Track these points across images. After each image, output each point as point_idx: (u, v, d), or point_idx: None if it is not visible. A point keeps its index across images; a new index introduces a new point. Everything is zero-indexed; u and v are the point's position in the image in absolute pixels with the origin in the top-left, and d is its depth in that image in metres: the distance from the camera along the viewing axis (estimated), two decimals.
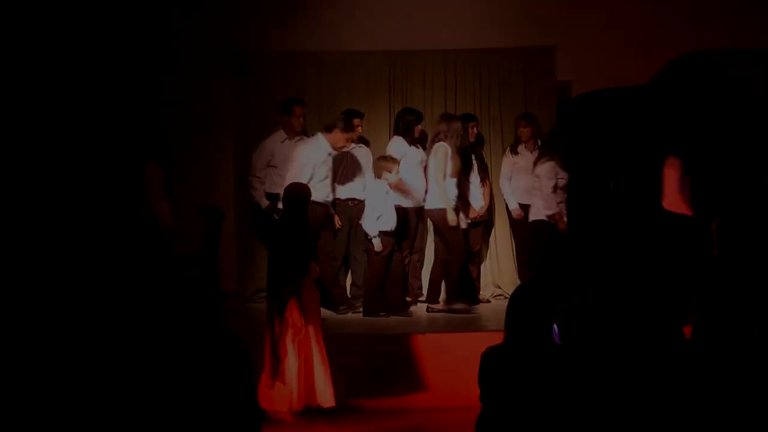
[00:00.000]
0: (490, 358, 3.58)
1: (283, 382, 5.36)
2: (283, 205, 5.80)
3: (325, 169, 7.05)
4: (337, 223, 7.49)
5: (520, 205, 7.68)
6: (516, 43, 8.04)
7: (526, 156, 7.67)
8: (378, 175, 7.04)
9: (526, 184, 7.57)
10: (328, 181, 7.17)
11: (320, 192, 6.89)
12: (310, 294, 5.52)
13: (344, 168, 7.51)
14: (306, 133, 7.59)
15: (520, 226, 7.71)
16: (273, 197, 7.26)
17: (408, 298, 7.47)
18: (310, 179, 6.72)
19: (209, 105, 7.88)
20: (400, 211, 7.20)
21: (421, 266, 7.76)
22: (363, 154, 7.66)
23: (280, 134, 7.41)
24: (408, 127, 7.40)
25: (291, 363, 5.36)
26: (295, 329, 5.39)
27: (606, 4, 8.02)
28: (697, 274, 7.16)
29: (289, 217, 5.62)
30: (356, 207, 7.50)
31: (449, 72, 8.09)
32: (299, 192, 5.73)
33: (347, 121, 7.10)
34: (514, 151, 7.74)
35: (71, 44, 6.72)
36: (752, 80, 7.42)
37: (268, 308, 5.56)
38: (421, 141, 7.62)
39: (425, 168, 7.29)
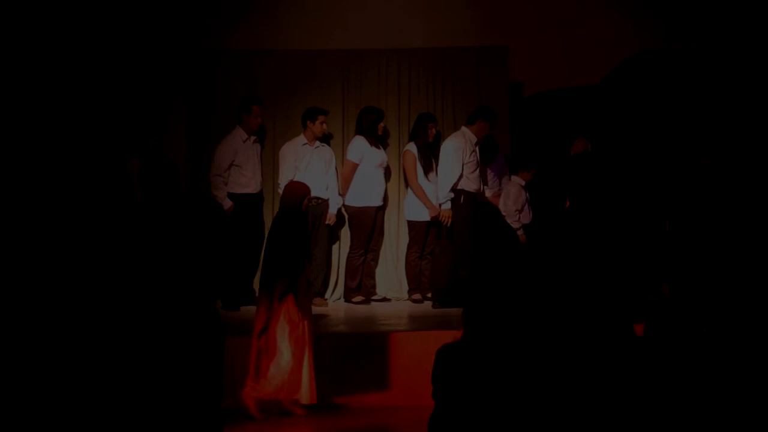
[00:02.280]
0: (444, 356, 3.58)
1: (267, 377, 5.40)
2: (282, 202, 5.84)
3: (305, 164, 7.29)
4: None
5: None
6: (469, 43, 8.05)
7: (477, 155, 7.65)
8: None
9: (476, 182, 7.55)
10: (309, 175, 7.25)
11: (248, 182, 7.31)
12: (303, 290, 5.57)
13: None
14: (263, 132, 7.64)
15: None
16: (237, 198, 7.30)
17: (361, 297, 7.58)
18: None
19: (162, 104, 7.76)
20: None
21: (375, 265, 7.79)
22: (326, 153, 7.64)
23: (240, 133, 7.39)
24: (371, 126, 7.45)
25: (285, 358, 5.39)
26: (292, 325, 5.43)
27: (559, 3, 8.07)
28: (648, 271, 7.25)
29: (288, 215, 5.65)
30: (320, 206, 7.50)
31: (403, 71, 8.05)
32: (298, 190, 5.78)
33: (313, 116, 7.30)
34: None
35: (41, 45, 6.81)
36: (698, 78, 7.52)
37: (261, 304, 5.56)
38: (383, 140, 7.64)
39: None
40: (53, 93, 6.88)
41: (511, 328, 3.62)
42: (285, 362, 5.40)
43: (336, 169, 7.73)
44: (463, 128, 7.40)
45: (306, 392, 5.45)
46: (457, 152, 7.21)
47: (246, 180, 7.41)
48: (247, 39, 7.97)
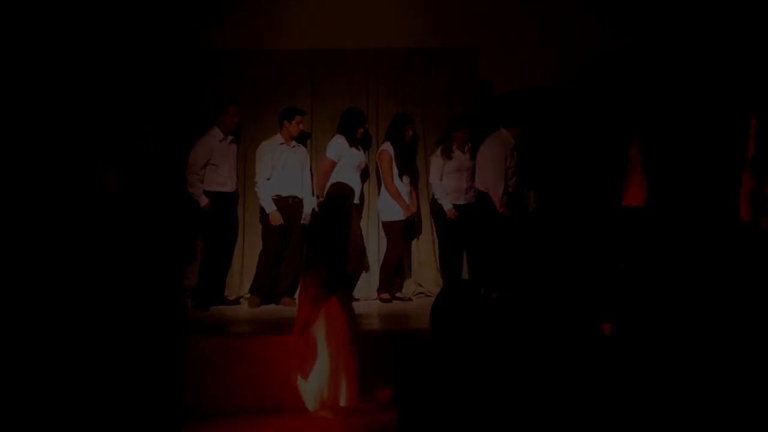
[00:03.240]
0: (408, 357, 3.57)
1: (308, 378, 5.44)
2: (328, 200, 5.91)
3: (281, 163, 7.38)
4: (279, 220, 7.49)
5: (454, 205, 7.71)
6: (439, 44, 8.07)
7: (458, 157, 7.68)
8: None
9: (457, 184, 7.65)
10: (287, 175, 7.40)
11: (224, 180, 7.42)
12: (344, 289, 5.67)
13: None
14: (239, 131, 7.69)
15: (445, 225, 7.74)
16: (213, 195, 7.34)
17: None
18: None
19: (134, 102, 7.70)
20: None
21: None
22: (301, 153, 7.68)
23: (217, 132, 7.41)
24: (350, 127, 7.49)
25: (325, 359, 5.42)
26: (333, 324, 5.45)
27: (527, 3, 8.10)
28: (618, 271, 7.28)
29: (332, 213, 5.75)
30: (295, 204, 7.55)
31: (371, 71, 8.06)
32: (346, 189, 5.91)
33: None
34: (448, 155, 7.67)
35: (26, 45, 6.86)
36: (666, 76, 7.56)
37: (302, 302, 5.62)
38: (362, 142, 7.68)
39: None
40: (34, 91, 6.91)
41: (480, 328, 3.63)
42: (325, 363, 5.42)
43: (310, 168, 7.74)
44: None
45: (345, 393, 5.46)
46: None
47: (222, 179, 7.44)
48: (218, 39, 7.95)
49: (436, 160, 7.73)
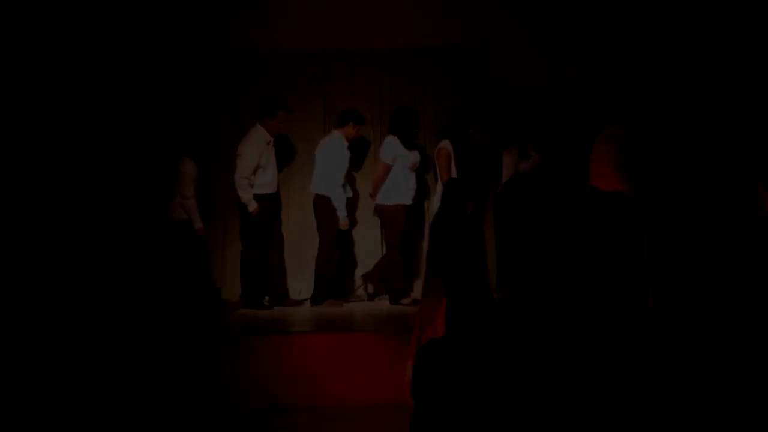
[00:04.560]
0: (426, 354, 3.58)
1: None
2: (447, 200, 5.30)
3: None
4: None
5: None
6: (451, 42, 8.08)
7: (534, 158, 7.55)
8: None
9: None
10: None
11: (270, 183, 7.36)
12: None
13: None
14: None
15: None
16: (261, 198, 7.29)
17: (411, 298, 7.49)
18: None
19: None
20: None
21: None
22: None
23: (264, 135, 7.34)
24: (405, 126, 7.42)
25: None
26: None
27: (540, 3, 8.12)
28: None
29: (451, 225, 5.11)
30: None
31: (383, 71, 8.10)
32: (463, 187, 5.33)
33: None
34: (525, 154, 7.50)
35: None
36: None
37: (424, 305, 5.08)
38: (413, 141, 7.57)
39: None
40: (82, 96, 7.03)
41: (495, 326, 3.63)
42: None
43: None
44: None
45: None
46: None
47: (269, 181, 7.39)
48: (229, 39, 7.99)
49: (510, 159, 7.58)
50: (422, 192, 7.86)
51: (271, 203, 7.46)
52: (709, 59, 7.14)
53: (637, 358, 3.71)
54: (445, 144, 7.36)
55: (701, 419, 3.64)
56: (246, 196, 7.25)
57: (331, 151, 7.38)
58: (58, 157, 6.75)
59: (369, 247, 8.01)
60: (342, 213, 7.31)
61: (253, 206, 7.24)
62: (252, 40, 7.96)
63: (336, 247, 7.38)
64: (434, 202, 7.41)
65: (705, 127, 6.97)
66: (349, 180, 7.74)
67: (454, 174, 7.23)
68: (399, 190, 7.39)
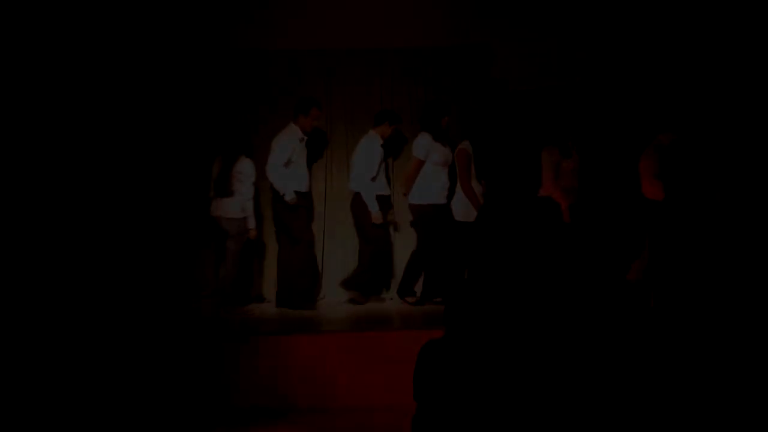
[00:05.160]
0: (426, 356, 3.60)
1: None
2: (529, 227, 5.60)
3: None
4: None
5: None
6: (452, 41, 8.11)
7: (575, 158, 7.14)
8: None
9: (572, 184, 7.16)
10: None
11: (301, 180, 7.32)
12: None
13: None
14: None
15: None
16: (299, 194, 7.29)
17: None
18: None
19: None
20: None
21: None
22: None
23: (298, 132, 7.36)
24: (434, 120, 7.40)
25: None
26: None
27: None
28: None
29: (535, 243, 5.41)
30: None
31: (386, 71, 8.13)
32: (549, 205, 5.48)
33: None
34: (567, 153, 6.96)
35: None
36: None
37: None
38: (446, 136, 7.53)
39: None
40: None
41: (494, 327, 3.65)
42: None
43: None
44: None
45: None
46: None
47: (301, 178, 7.38)
48: (233, 39, 8.04)
49: (551, 158, 6.93)
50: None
51: (304, 201, 7.45)
52: (708, 59, 7.16)
53: (637, 357, 3.74)
54: (465, 145, 7.33)
55: (701, 419, 3.66)
56: (280, 183, 7.20)
57: (365, 150, 7.47)
58: (92, 158, 6.84)
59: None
60: (374, 208, 7.30)
61: (290, 195, 7.19)
62: (250, 39, 8.00)
63: (376, 243, 7.41)
64: (455, 205, 7.35)
65: (707, 127, 6.98)
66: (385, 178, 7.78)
67: (473, 175, 7.23)
68: (431, 189, 7.35)
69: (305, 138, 7.38)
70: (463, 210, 7.28)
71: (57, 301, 6.21)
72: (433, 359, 3.56)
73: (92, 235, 7.00)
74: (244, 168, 7.20)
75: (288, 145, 7.24)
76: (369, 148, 7.47)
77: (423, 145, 7.33)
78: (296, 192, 7.26)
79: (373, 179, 7.44)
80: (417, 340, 4.20)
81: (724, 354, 3.92)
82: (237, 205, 7.17)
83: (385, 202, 7.63)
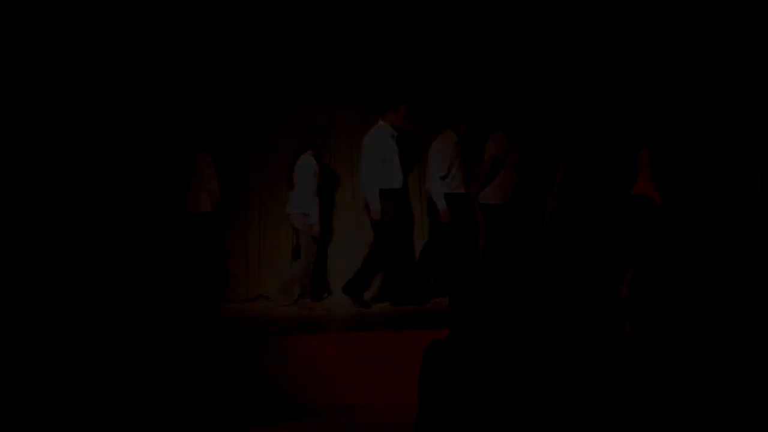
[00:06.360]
0: (430, 356, 3.57)
1: None
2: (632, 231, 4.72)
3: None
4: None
5: None
6: (451, 39, 8.09)
7: None
8: None
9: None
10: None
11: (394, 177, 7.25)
12: None
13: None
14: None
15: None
16: (387, 193, 7.22)
17: None
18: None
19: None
20: None
21: None
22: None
23: (388, 128, 7.32)
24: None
25: None
26: None
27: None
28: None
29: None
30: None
31: (387, 71, 8.12)
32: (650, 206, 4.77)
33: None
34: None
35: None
36: None
37: None
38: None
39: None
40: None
41: (498, 327, 3.66)
42: None
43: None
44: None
45: None
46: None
47: (396, 174, 7.32)
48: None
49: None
50: None
51: (399, 198, 7.41)
52: (707, 59, 7.17)
53: (637, 357, 3.74)
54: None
55: (701, 419, 3.68)
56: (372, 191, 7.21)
57: (440, 150, 7.53)
58: (94, 156, 6.87)
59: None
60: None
61: (375, 206, 7.18)
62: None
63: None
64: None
65: (702, 127, 7.01)
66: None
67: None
68: (502, 189, 7.31)
69: (396, 134, 7.35)
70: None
71: (58, 302, 6.20)
72: (437, 360, 3.56)
73: (112, 235, 6.99)
74: (305, 163, 7.27)
75: (381, 143, 7.24)
76: (442, 148, 7.48)
77: (499, 142, 7.31)
78: (389, 189, 7.22)
79: (444, 178, 7.42)
80: (420, 340, 4.25)
81: (724, 354, 3.93)
82: (297, 201, 7.30)
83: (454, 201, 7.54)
